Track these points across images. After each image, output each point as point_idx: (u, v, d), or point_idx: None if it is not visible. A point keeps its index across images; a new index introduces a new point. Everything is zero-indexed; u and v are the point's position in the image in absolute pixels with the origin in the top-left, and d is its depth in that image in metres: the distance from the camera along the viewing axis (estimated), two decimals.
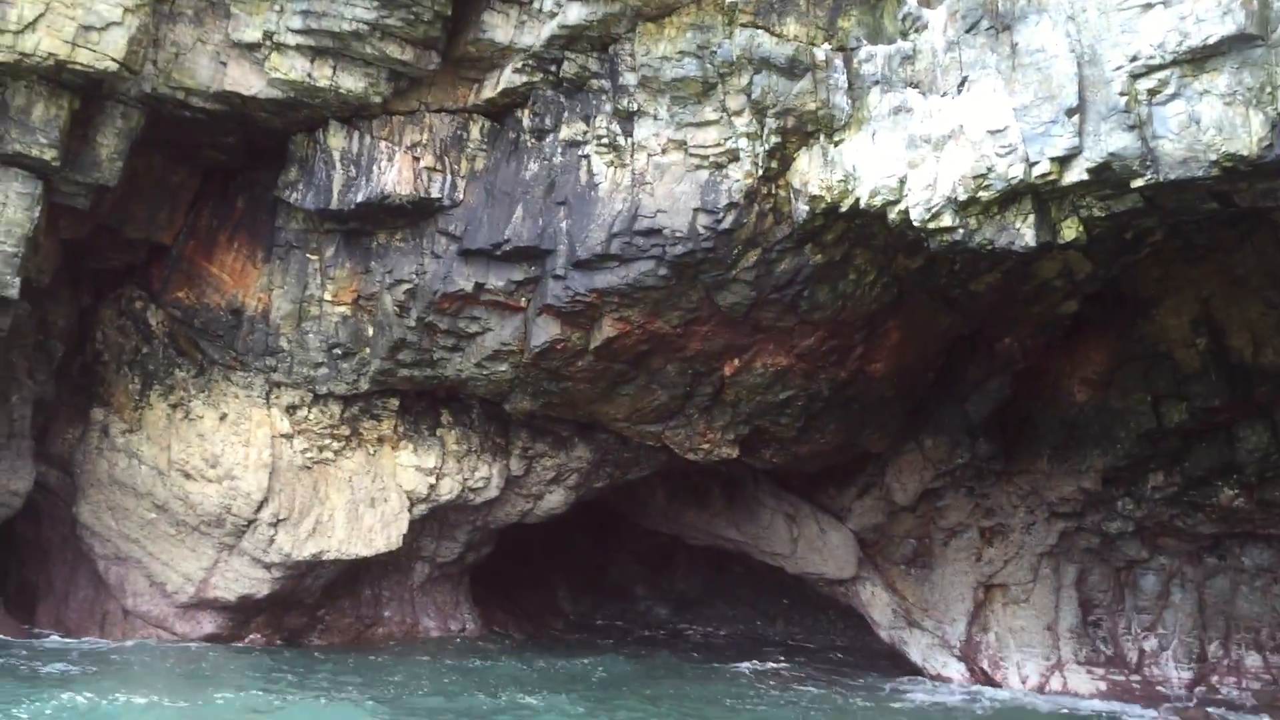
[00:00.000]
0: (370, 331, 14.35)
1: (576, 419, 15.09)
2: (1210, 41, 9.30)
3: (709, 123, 12.17)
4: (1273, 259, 14.57)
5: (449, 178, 13.37)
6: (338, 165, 13.40)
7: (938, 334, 14.56)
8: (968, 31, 10.83)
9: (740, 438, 14.71)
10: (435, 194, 13.37)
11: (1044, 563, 17.30)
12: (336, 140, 13.41)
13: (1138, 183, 9.96)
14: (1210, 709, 16.15)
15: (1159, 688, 17.19)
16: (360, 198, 13.34)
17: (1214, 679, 17.38)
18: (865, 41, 11.55)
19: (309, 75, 12.61)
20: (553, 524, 18.69)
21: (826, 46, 11.51)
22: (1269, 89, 9.31)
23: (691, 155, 12.30)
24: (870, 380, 14.54)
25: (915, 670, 17.63)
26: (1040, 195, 10.62)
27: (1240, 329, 15.14)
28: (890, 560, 17.97)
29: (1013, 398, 16.28)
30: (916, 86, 11.18)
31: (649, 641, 20.93)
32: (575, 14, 12.07)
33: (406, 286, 13.81)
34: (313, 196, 13.60)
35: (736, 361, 13.76)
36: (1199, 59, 9.46)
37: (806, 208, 11.98)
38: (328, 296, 14.18)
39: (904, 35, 11.34)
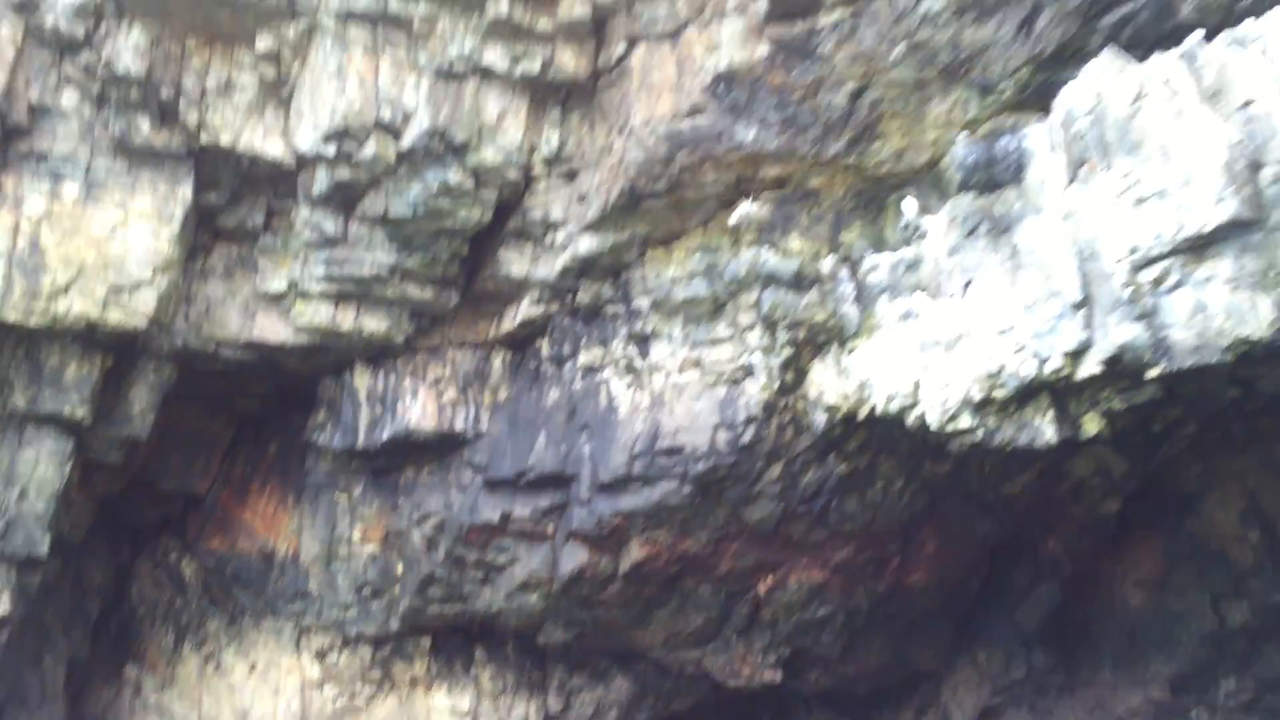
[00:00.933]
0: (399, 569, 14.23)
1: (613, 648, 14.66)
2: (1207, 230, 9.34)
3: (722, 340, 12.32)
4: None
5: (472, 410, 13.54)
6: (364, 404, 13.64)
7: (977, 540, 14.17)
8: (967, 236, 11.01)
9: (782, 659, 14.18)
10: (459, 427, 13.52)
11: None
12: (362, 380, 13.71)
13: (1153, 373, 9.83)
14: None
15: None
16: (386, 435, 13.51)
17: None
18: (869, 251, 11.77)
19: (333, 320, 13.01)
20: None
21: (831, 258, 11.74)
22: (1272, 272, 9.29)
23: (708, 373, 12.40)
24: (911, 592, 14.09)
25: None
26: (1057, 391, 10.50)
27: None
28: None
29: (1065, 605, 15.64)
30: (923, 291, 11.30)
31: None
32: (586, 245, 12.46)
33: (434, 520, 13.77)
34: (340, 437, 13.80)
35: (770, 578, 13.43)
36: (1198, 247, 9.49)
37: (825, 417, 11.94)
38: (356, 536, 14.17)
39: (906, 243, 11.55)
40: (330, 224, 12.41)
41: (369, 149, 11.74)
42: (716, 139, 11.36)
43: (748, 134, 11.33)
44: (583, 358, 13.12)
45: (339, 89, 11.48)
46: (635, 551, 12.96)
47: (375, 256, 12.61)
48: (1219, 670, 15.44)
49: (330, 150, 11.75)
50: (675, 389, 12.57)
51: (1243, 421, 14.22)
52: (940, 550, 13.91)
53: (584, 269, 12.79)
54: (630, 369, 12.81)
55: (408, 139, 11.74)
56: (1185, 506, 15.16)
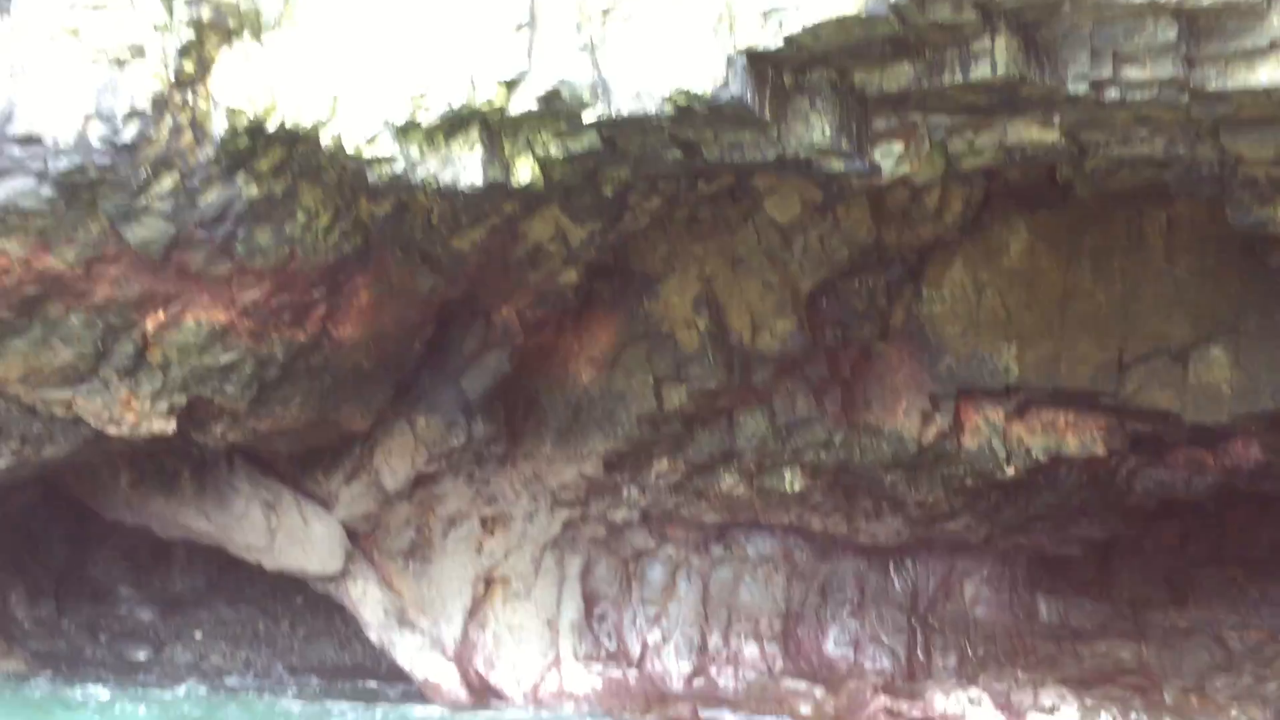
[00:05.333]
0: None
1: None
2: None
3: (108, 5, 9.69)
4: (770, 239, 14.09)
5: None
6: None
7: (421, 298, 12.83)
8: None
9: (177, 409, 12.24)
10: None
11: (548, 554, 16.14)
12: None
13: (590, 116, 8.64)
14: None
15: (658, 682, 16.54)
16: None
17: (713, 670, 16.99)
18: None
19: None
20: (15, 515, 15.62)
21: None
22: (726, 20, 8.26)
23: (87, 46, 9.76)
24: (339, 347, 12.56)
25: (404, 675, 15.95)
26: (489, 125, 9.09)
27: (740, 310, 14.60)
28: (386, 554, 16.12)
29: (517, 376, 14.91)
30: None
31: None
32: None
33: None
34: None
35: (161, 314, 11.32)
36: None
37: (226, 123, 9.80)
38: None
39: None
40: None
41: None
42: None
43: None
44: None
45: None
46: None
47: None
48: (653, 451, 15.53)
49: None
50: (44, 62, 9.82)
51: (709, 205, 13.79)
52: (376, 303, 12.42)
53: None
54: None
55: None
56: (645, 287, 14.75)
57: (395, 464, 14.99)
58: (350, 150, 9.18)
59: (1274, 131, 9.10)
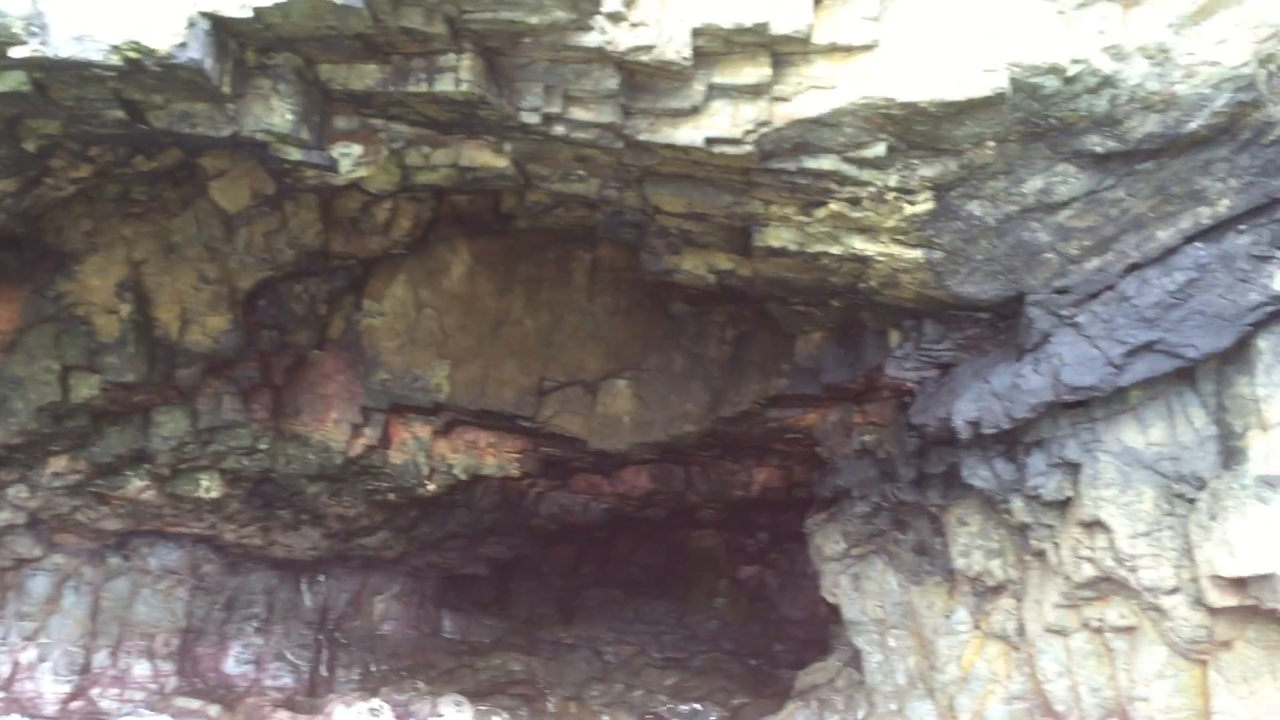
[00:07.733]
0: None
1: None
2: None
3: None
4: (212, 230, 13.40)
5: None
6: None
7: None
8: None
9: None
10: None
11: None
12: None
13: (20, 53, 7.72)
14: None
15: (28, 706, 14.82)
16: None
17: (95, 691, 15.56)
18: None
19: None
20: None
21: None
22: None
23: None
24: None
25: None
26: None
27: (170, 301, 13.69)
28: None
29: None
30: None
31: None
32: None
33: None
34: None
35: None
36: None
37: None
38: None
39: None
40: None
41: None
42: None
43: None
44: None
45: None
46: None
47: None
48: (51, 447, 14.03)
49: None
50: None
51: (147, 186, 12.87)
52: None
53: None
54: None
55: None
56: (60, 265, 13.34)
57: None
58: None
59: (687, 188, 10.39)
